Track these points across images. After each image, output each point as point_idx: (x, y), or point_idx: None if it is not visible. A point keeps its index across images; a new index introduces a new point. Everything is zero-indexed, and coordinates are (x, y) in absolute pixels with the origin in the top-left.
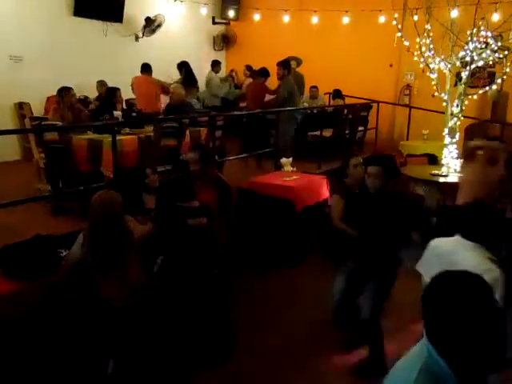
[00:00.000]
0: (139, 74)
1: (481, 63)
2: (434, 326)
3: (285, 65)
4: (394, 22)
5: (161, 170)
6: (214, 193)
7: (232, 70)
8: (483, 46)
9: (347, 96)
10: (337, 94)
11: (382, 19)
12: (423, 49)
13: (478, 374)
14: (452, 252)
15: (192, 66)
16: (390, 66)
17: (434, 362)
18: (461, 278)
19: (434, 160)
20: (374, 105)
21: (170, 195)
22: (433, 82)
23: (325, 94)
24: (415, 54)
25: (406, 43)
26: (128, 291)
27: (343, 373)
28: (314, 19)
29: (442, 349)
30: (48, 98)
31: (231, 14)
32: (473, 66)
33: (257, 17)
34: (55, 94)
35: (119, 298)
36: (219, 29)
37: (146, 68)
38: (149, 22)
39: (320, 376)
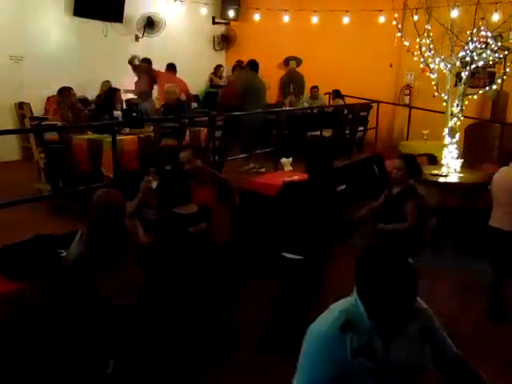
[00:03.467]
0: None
1: (481, 63)
2: (362, 282)
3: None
4: (394, 22)
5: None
6: (212, 189)
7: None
8: (483, 46)
9: (347, 96)
10: (336, 94)
11: (382, 19)
12: (423, 49)
13: (389, 320)
14: None
15: (192, 66)
16: (390, 65)
17: (355, 308)
18: (387, 250)
19: (434, 160)
20: (374, 105)
21: (165, 201)
22: (433, 82)
23: (325, 93)
24: (415, 54)
25: (406, 43)
26: (127, 290)
27: None
28: (314, 19)
29: (366, 300)
30: (48, 98)
31: (231, 14)
32: (473, 66)
33: (257, 17)
34: (55, 94)
35: (118, 296)
36: (219, 29)
37: (171, 66)
38: (149, 22)
39: None
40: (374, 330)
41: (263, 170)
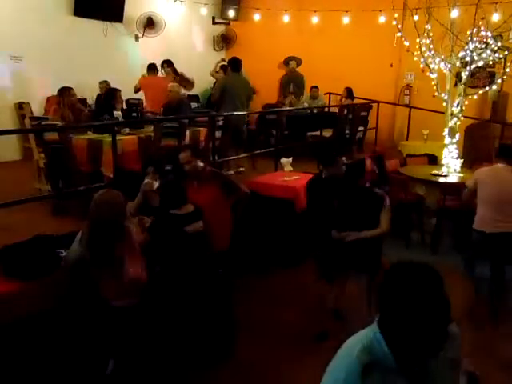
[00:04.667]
0: (139, 74)
1: (481, 63)
2: (385, 312)
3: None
4: (394, 22)
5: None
6: (217, 187)
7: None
8: (483, 46)
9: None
10: (349, 93)
11: (382, 19)
12: (423, 49)
13: (416, 359)
14: None
15: (192, 65)
16: (390, 65)
17: (377, 344)
18: (414, 269)
19: (434, 160)
20: (374, 105)
21: (162, 203)
22: (433, 82)
23: (325, 93)
24: (415, 53)
25: (406, 43)
26: (127, 291)
27: None
28: (314, 19)
29: (388, 334)
30: (48, 97)
31: (231, 13)
32: (473, 66)
33: (257, 17)
34: (55, 94)
35: (118, 297)
36: (219, 29)
37: (151, 67)
38: (149, 22)
39: (320, 373)
40: (402, 371)
41: (242, 169)
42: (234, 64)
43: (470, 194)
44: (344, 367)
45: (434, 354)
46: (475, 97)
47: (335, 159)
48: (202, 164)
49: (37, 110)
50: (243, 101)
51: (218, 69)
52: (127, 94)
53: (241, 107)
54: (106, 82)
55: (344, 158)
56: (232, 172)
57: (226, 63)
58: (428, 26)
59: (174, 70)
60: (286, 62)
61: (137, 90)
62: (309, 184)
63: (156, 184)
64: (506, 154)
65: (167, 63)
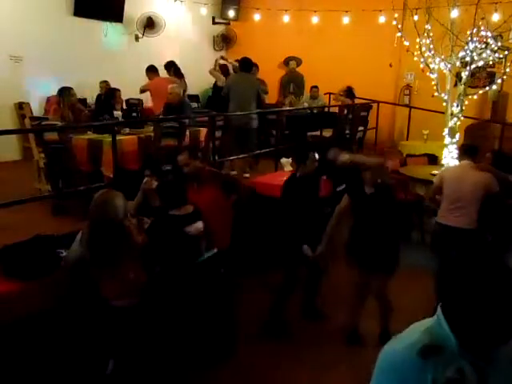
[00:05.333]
0: (139, 74)
1: (481, 63)
2: (448, 297)
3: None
4: (394, 22)
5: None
6: (216, 187)
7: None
8: (483, 46)
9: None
10: (349, 92)
11: (382, 19)
12: (423, 49)
13: (483, 346)
14: None
15: (192, 66)
16: (390, 66)
17: (440, 329)
18: (480, 257)
19: (434, 160)
20: (374, 105)
21: (162, 203)
22: (433, 82)
23: (325, 93)
24: (415, 53)
25: (406, 43)
26: (128, 291)
27: (343, 370)
28: (314, 19)
29: (453, 320)
30: (48, 98)
31: (231, 13)
32: (473, 66)
33: (257, 17)
34: (55, 94)
35: (119, 297)
36: (219, 29)
37: (151, 69)
38: (149, 22)
39: (320, 373)
40: (465, 356)
41: (247, 175)
42: (243, 64)
43: (433, 190)
44: (403, 344)
45: (503, 341)
46: (475, 97)
47: (307, 156)
48: (200, 165)
49: (37, 110)
50: (250, 101)
51: (217, 67)
52: (127, 93)
53: (247, 107)
54: (105, 81)
55: (316, 154)
56: (235, 172)
57: (225, 62)
58: (428, 26)
59: (176, 72)
60: (286, 62)
61: (143, 91)
62: (284, 185)
63: (155, 183)
64: (470, 153)
65: (170, 65)
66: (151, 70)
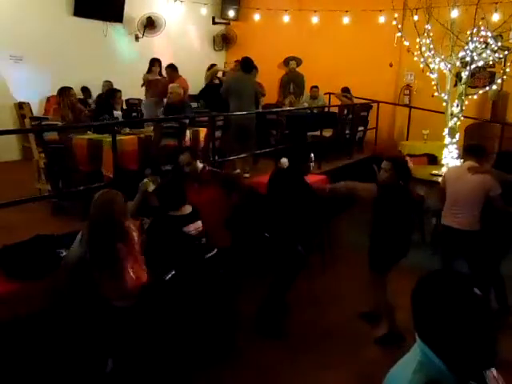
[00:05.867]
0: (139, 74)
1: (481, 63)
2: (426, 326)
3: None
4: (394, 22)
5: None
6: (217, 186)
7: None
8: (483, 46)
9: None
10: (347, 92)
11: (381, 19)
12: (423, 49)
13: (473, 370)
14: None
15: (192, 66)
16: (390, 65)
17: (429, 361)
18: (451, 276)
19: (434, 160)
20: (374, 105)
21: (161, 204)
22: (433, 82)
23: (325, 93)
24: (415, 53)
25: (406, 43)
26: (127, 291)
27: (343, 369)
28: (314, 19)
29: (436, 347)
30: (48, 98)
31: (231, 13)
32: (473, 66)
33: (257, 17)
34: (55, 94)
35: (119, 297)
36: (219, 29)
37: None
38: (149, 22)
39: (320, 373)
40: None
41: (246, 175)
42: (244, 64)
43: (439, 192)
44: None
45: (491, 362)
46: (475, 97)
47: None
48: (201, 165)
49: (37, 110)
50: (250, 101)
51: (209, 79)
52: (127, 93)
53: (247, 107)
54: (109, 81)
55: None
56: (239, 170)
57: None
58: (428, 26)
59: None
60: (286, 62)
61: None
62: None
63: (152, 186)
64: (475, 153)
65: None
66: (173, 69)
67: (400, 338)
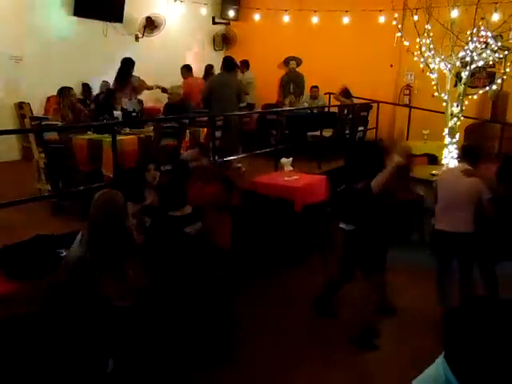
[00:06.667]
0: (139, 74)
1: (481, 63)
2: (457, 354)
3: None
4: (394, 22)
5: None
6: (219, 184)
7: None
8: (483, 46)
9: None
10: (346, 94)
11: (381, 19)
12: (423, 49)
13: None
14: None
15: (192, 66)
16: (390, 66)
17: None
18: (488, 304)
19: (434, 160)
20: (374, 105)
21: (161, 204)
22: (433, 82)
23: (325, 93)
24: (415, 53)
25: (406, 43)
26: (128, 291)
27: (343, 369)
28: (314, 19)
29: (464, 377)
30: (48, 97)
31: (231, 13)
32: (473, 66)
33: (257, 17)
34: (55, 94)
35: (119, 297)
36: (219, 29)
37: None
38: (149, 22)
39: (321, 372)
40: None
41: (240, 164)
42: (226, 63)
43: (434, 195)
44: None
45: None
46: (475, 97)
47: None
48: (207, 163)
49: (37, 110)
50: (233, 101)
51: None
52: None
53: (229, 107)
54: (106, 82)
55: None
56: (240, 165)
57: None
58: (428, 26)
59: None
60: (286, 62)
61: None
62: None
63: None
64: (470, 157)
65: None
66: (187, 69)
67: (374, 334)
